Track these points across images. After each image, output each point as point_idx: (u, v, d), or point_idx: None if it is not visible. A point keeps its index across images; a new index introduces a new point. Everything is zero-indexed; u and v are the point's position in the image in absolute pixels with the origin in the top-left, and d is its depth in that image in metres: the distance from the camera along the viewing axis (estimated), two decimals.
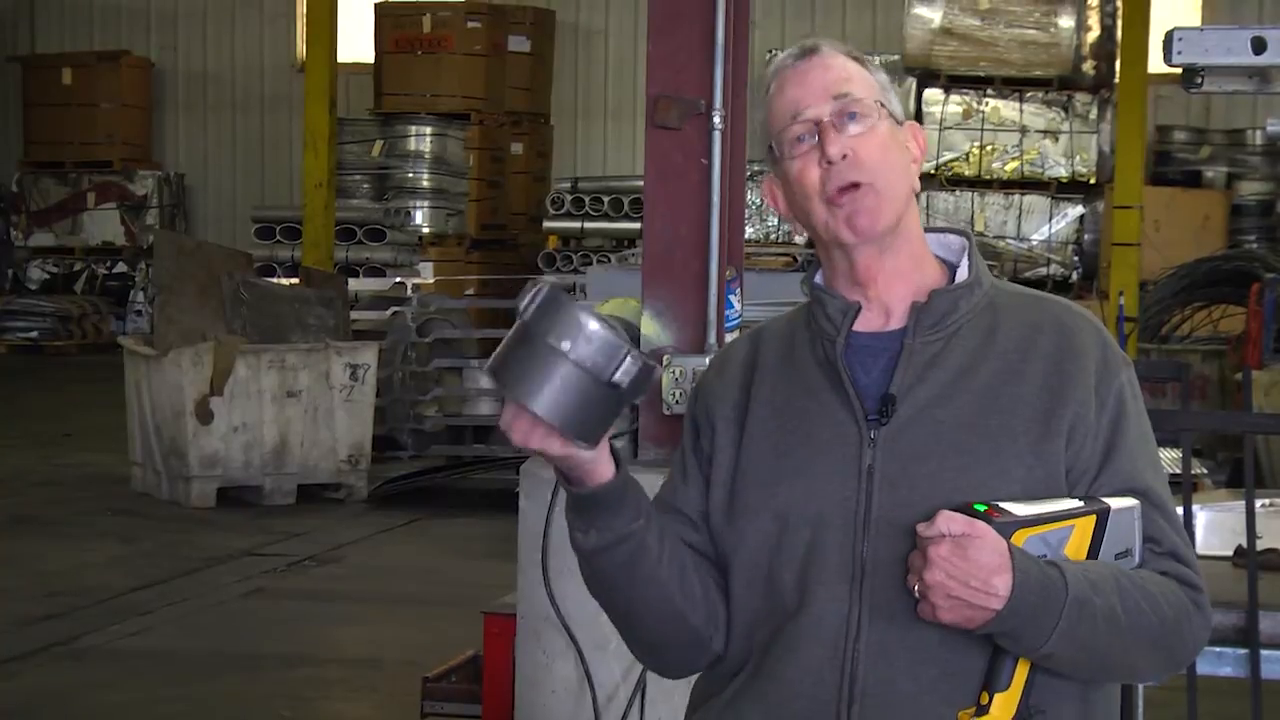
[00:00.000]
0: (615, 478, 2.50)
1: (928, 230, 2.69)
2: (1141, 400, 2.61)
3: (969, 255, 2.66)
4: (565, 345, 2.36)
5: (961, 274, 2.64)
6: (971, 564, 2.36)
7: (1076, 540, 2.46)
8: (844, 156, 2.55)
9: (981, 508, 2.41)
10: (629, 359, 2.39)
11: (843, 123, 2.57)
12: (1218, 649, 4.03)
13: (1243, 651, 4.02)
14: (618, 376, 2.38)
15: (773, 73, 2.65)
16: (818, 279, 2.67)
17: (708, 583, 2.64)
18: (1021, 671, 2.46)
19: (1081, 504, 2.48)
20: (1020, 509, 2.43)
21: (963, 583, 2.36)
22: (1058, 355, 2.55)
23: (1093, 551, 2.47)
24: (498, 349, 2.43)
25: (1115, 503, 2.49)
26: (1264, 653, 4.00)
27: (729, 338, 4.93)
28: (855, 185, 2.55)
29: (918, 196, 2.67)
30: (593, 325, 2.38)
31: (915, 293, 2.60)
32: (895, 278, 2.60)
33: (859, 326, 2.61)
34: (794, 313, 2.72)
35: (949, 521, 2.38)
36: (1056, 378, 2.54)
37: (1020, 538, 2.41)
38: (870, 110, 2.58)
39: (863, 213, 2.55)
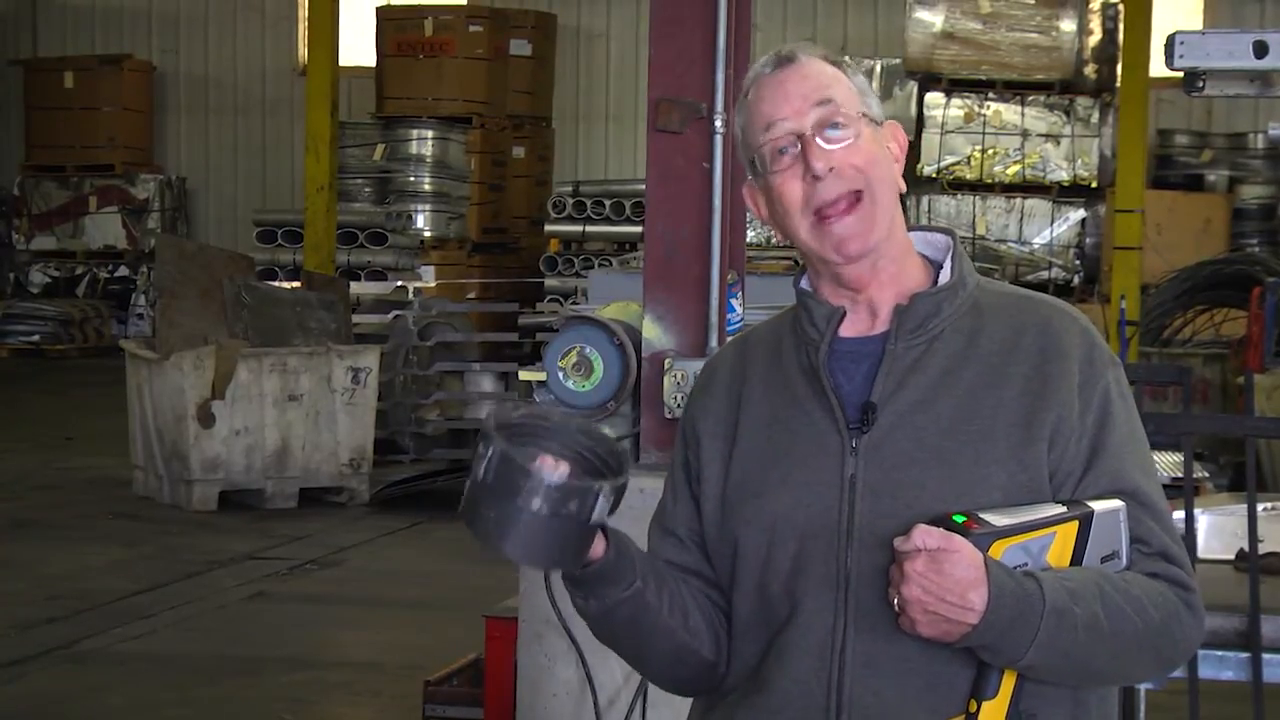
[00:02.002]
0: (606, 553, 2.51)
1: (913, 229, 2.65)
2: (1131, 400, 2.58)
3: (953, 255, 2.62)
4: (535, 504, 2.35)
5: (945, 276, 2.60)
6: (947, 579, 2.35)
7: (1059, 547, 2.44)
8: (830, 170, 2.51)
9: (960, 519, 2.39)
10: (600, 498, 2.37)
11: (825, 134, 2.52)
12: (1219, 652, 4.03)
13: (1244, 655, 4.02)
14: (594, 518, 2.39)
15: (750, 81, 2.60)
16: (804, 283, 2.64)
17: (710, 612, 2.64)
18: (1009, 679, 2.44)
19: (1064, 509, 2.45)
20: (999, 519, 2.41)
21: (938, 598, 2.35)
22: (1040, 358, 2.52)
23: (1076, 557, 2.45)
24: (465, 497, 2.41)
25: (1099, 505, 2.46)
26: (1266, 656, 4.00)
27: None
28: (848, 195, 2.51)
29: (903, 197, 2.63)
30: (555, 478, 2.35)
31: (900, 295, 2.57)
32: (886, 281, 2.57)
33: (845, 331, 2.58)
34: (780, 316, 2.70)
35: (925, 536, 2.36)
36: (1039, 380, 2.51)
37: (999, 548, 2.39)
38: (853, 119, 2.53)
39: (854, 238, 2.51)
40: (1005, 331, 2.55)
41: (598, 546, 2.49)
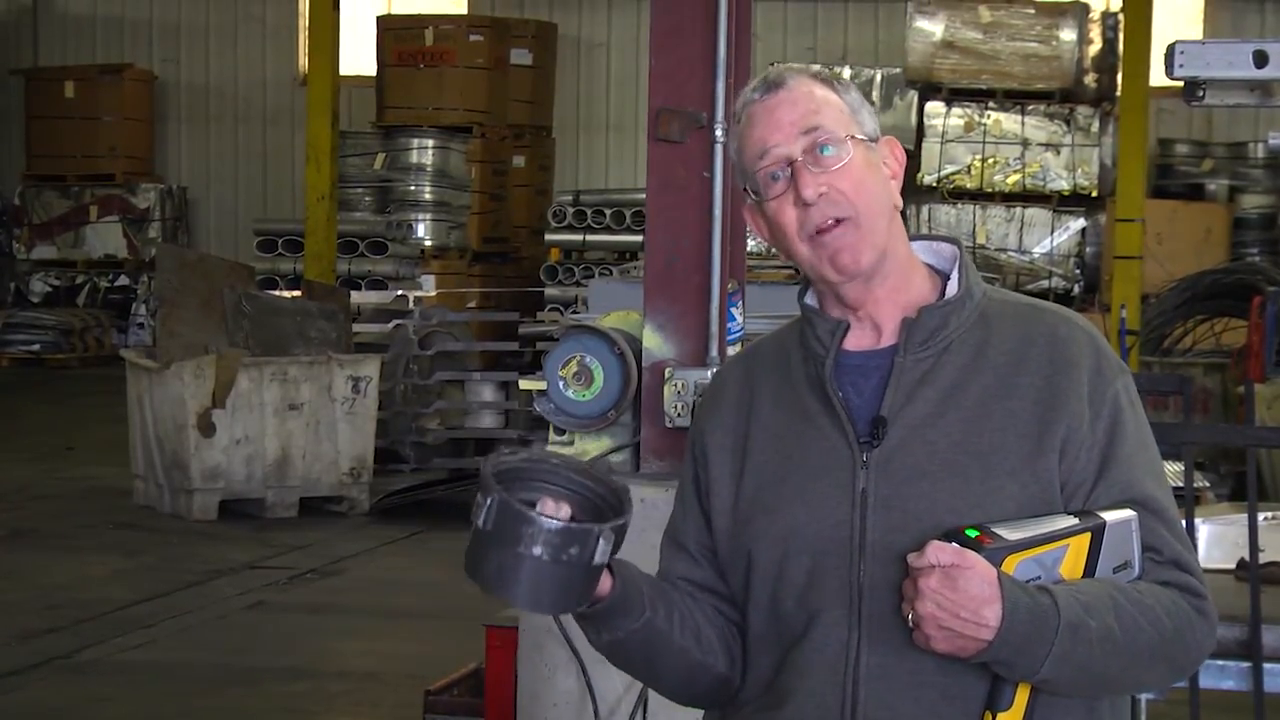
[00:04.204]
0: (613, 588, 2.52)
1: (919, 238, 2.65)
2: (1140, 408, 2.58)
3: (960, 267, 2.62)
4: (536, 550, 2.37)
5: (952, 287, 2.60)
6: (961, 595, 2.36)
7: (1071, 559, 2.44)
8: (821, 195, 2.52)
9: (973, 533, 2.39)
10: (601, 540, 2.39)
11: (815, 158, 2.52)
12: (1220, 662, 4.02)
13: (1245, 665, 4.01)
14: (597, 560, 2.40)
15: (741, 107, 2.61)
16: (808, 298, 2.65)
17: (723, 626, 2.65)
18: (1023, 691, 2.44)
19: (1076, 521, 2.45)
20: (1012, 532, 2.41)
21: (953, 614, 2.36)
22: (1050, 368, 2.53)
23: (1089, 569, 2.45)
24: (468, 546, 2.42)
25: (1111, 516, 2.46)
26: (1267, 666, 4.00)
27: (731, 350, 4.93)
28: (836, 221, 2.52)
29: (903, 212, 2.64)
30: (554, 525, 2.37)
31: (905, 308, 2.57)
32: (885, 299, 2.58)
33: (851, 345, 2.58)
34: (785, 330, 2.70)
35: (938, 552, 2.37)
36: (1048, 392, 2.51)
37: (1012, 562, 2.39)
38: (841, 143, 2.53)
39: (845, 250, 2.52)
40: (1013, 342, 2.56)
41: (604, 582, 2.50)
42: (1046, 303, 2.67)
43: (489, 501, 2.38)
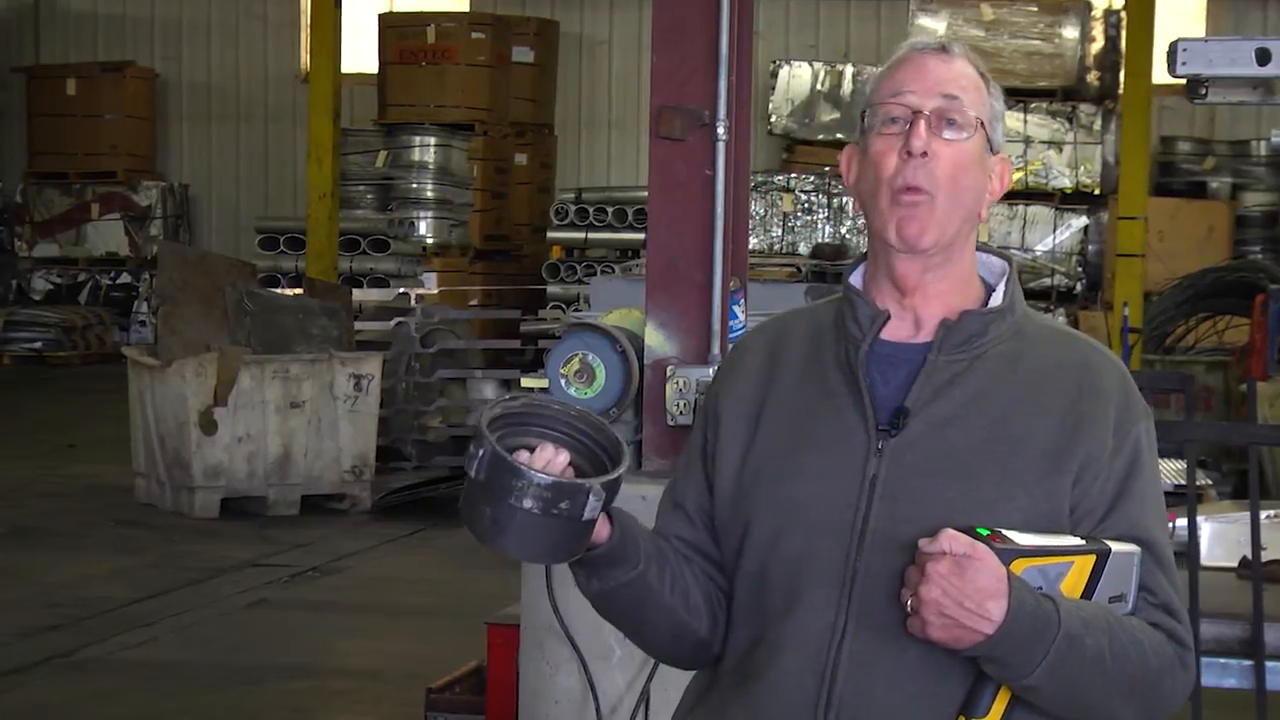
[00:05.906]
0: (610, 537, 2.53)
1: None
2: (1156, 453, 2.61)
3: (1007, 281, 2.64)
4: (527, 504, 2.38)
5: (996, 298, 2.62)
6: (968, 584, 2.36)
7: (1073, 577, 2.45)
8: (923, 154, 2.53)
9: (984, 532, 2.40)
10: (592, 496, 2.40)
11: (938, 123, 2.55)
12: (1222, 660, 4.03)
13: (1247, 663, 4.01)
14: (587, 515, 2.41)
15: (903, 48, 2.64)
16: (855, 279, 2.65)
17: (711, 591, 2.66)
18: (1001, 700, 2.45)
19: (1083, 542, 2.47)
20: (1022, 538, 2.43)
21: (957, 602, 2.36)
22: (1078, 394, 2.55)
23: (1088, 591, 2.46)
24: (463, 496, 2.44)
25: (1116, 546, 2.48)
26: (1269, 664, 4.00)
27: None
28: (917, 189, 2.53)
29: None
30: (545, 479, 2.38)
31: (948, 311, 2.58)
32: (935, 295, 2.59)
33: (887, 334, 2.59)
34: (821, 308, 2.70)
35: (952, 540, 2.38)
36: (1073, 416, 2.53)
37: (1019, 567, 2.40)
38: (969, 124, 2.56)
39: (914, 221, 2.53)
40: (1045, 362, 2.58)
41: (602, 530, 2.52)
42: (1081, 333, 2.70)
43: (481, 452, 2.39)
